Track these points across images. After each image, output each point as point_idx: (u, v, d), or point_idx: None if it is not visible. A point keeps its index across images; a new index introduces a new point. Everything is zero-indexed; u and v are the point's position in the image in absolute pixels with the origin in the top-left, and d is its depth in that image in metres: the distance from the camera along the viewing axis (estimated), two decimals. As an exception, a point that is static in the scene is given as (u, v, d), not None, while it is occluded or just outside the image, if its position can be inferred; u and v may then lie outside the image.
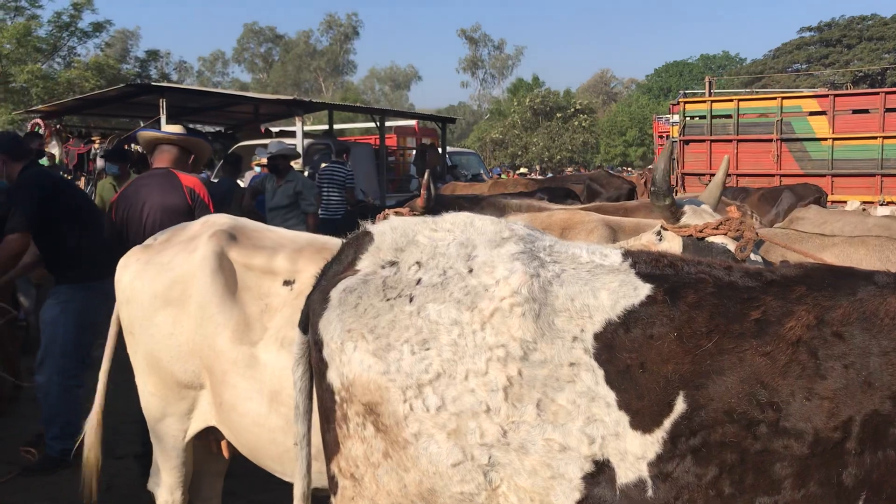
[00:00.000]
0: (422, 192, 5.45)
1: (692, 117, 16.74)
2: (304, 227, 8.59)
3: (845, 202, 13.08)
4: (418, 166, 18.66)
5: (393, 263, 2.07)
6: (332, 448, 2.06)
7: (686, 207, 3.09)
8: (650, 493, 1.72)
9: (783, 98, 15.51)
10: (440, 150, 19.27)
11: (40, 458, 5.25)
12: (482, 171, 23.68)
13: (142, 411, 3.64)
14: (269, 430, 3.04)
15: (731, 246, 2.96)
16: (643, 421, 1.74)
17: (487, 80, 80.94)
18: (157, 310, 3.31)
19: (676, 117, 20.63)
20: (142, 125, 17.25)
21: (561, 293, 1.87)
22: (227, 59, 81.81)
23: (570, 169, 36.25)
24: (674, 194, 2.99)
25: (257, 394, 3.05)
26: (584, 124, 52.60)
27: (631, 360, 1.78)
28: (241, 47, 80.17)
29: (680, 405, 1.72)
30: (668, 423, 1.72)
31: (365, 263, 2.12)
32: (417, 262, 2.04)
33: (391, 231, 2.14)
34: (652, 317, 1.81)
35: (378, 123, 18.10)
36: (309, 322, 2.15)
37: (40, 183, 5.15)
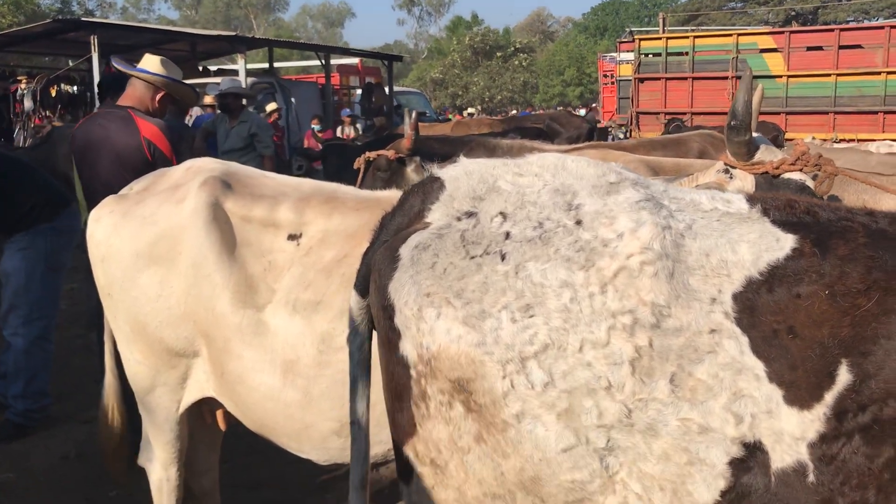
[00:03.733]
0: (408, 132, 5.08)
1: (647, 55, 16.50)
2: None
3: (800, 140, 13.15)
4: (364, 106, 18.07)
5: (471, 214, 1.75)
6: (405, 430, 1.76)
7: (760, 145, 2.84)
8: (812, 478, 1.48)
9: (739, 35, 15.40)
10: (386, 89, 18.70)
11: (-1, 425, 4.83)
12: (428, 112, 23.20)
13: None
14: (284, 404, 2.71)
15: (810, 182, 2.74)
16: (800, 395, 1.49)
17: (424, 17, 79.42)
18: (140, 269, 2.90)
19: (623, 55, 20.48)
20: (70, 64, 16.24)
21: (694, 248, 1.58)
22: (153, -4, 78.09)
23: (514, 111, 35.92)
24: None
25: (269, 364, 2.71)
26: (523, 64, 52.20)
27: (777, 323, 1.52)
28: (168, -17, 76.50)
29: (844, 375, 1.47)
30: (830, 398, 1.47)
31: (436, 215, 1.79)
32: (501, 213, 1.72)
33: (466, 176, 1.81)
34: (799, 273, 1.54)
35: (323, 62, 17.45)
36: (371, 284, 1.83)
37: None
